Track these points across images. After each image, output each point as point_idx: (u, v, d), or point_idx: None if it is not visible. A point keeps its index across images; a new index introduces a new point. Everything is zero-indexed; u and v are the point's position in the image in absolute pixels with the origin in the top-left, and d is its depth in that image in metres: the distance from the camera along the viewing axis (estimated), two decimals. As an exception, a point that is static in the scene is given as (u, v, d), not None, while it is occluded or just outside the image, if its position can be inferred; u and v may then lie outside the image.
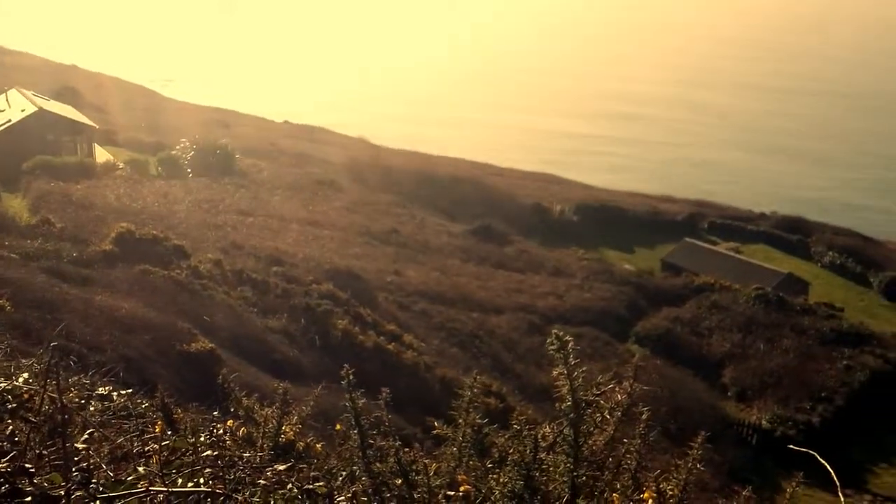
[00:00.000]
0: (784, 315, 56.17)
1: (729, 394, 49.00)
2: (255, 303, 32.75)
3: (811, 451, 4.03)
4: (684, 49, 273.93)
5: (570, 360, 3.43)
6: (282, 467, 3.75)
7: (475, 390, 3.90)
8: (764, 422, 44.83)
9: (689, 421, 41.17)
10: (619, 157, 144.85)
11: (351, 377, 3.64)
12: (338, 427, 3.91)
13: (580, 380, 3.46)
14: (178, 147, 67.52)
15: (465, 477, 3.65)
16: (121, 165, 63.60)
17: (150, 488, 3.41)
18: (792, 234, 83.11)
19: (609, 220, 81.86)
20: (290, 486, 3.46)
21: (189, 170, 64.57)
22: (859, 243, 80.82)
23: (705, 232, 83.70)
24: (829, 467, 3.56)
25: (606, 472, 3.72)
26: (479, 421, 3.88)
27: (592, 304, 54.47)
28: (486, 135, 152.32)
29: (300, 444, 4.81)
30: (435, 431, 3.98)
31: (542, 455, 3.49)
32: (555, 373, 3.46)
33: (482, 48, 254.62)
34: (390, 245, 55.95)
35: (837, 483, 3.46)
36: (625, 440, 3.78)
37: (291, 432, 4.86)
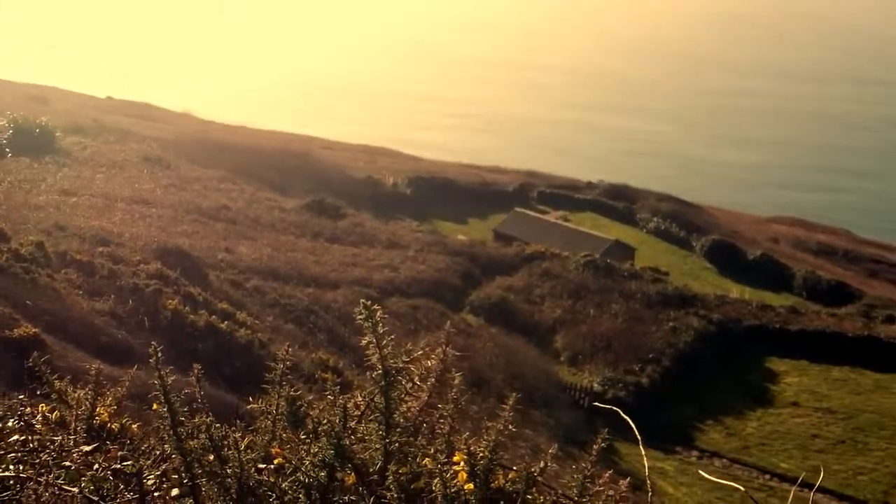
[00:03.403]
0: (612, 280, 57.80)
1: (562, 358, 50.23)
2: (80, 285, 31.77)
3: (615, 409, 4.17)
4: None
5: (379, 329, 3.46)
6: (87, 448, 3.68)
7: (287, 363, 3.89)
8: (595, 384, 46.13)
9: (525, 387, 42.06)
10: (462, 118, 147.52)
11: (159, 354, 3.59)
12: (154, 406, 3.84)
13: (389, 348, 3.50)
14: (-7, 126, 64.84)
15: (279, 450, 3.65)
16: (-67, 147, 60.78)
17: (-48, 477, 3.31)
18: (618, 201, 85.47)
19: (441, 191, 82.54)
20: (96, 466, 3.41)
21: (8, 150, 62.13)
22: (682, 209, 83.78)
23: (535, 201, 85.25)
24: (632, 424, 3.69)
25: (420, 438, 3.77)
26: (293, 393, 3.89)
27: (427, 275, 54.91)
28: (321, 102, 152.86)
29: (115, 426, 4.72)
30: (249, 406, 3.97)
31: (353, 424, 3.52)
32: (363, 342, 3.49)
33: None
34: (220, 221, 55.08)
35: (639, 439, 3.58)
36: (439, 405, 3.84)
37: (106, 414, 4.77)
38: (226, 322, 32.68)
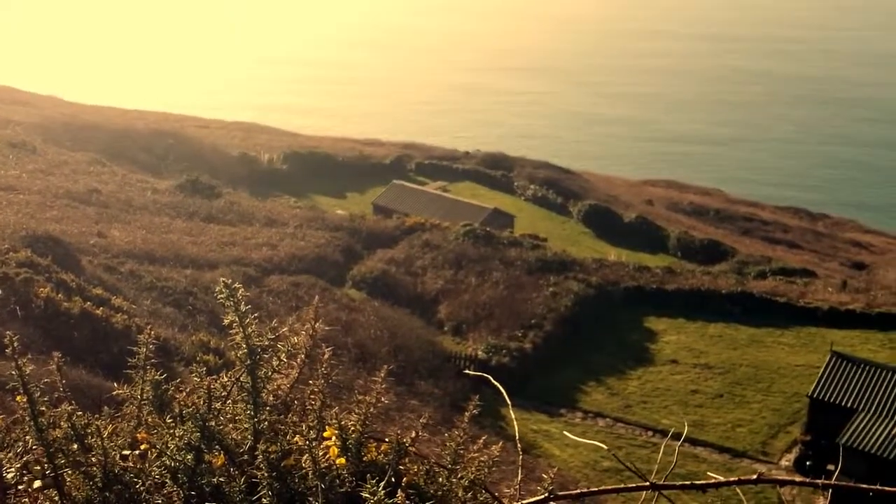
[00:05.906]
0: (492, 249, 58.24)
1: (445, 328, 50.49)
2: (-54, 277, 30.84)
3: (485, 375, 4.20)
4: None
5: (241, 307, 3.42)
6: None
7: (151, 346, 3.82)
8: (480, 352, 46.44)
9: (410, 358, 42.23)
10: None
11: (15, 343, 3.48)
12: (18, 398, 3.74)
13: (253, 326, 3.45)
14: None
15: (145, 435, 3.59)
16: None
17: None
18: (496, 170, 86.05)
19: (318, 166, 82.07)
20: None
21: None
22: (558, 175, 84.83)
23: (413, 173, 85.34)
24: (500, 388, 3.72)
25: (292, 415, 3.74)
26: (158, 377, 3.82)
27: (307, 251, 54.59)
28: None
29: (-22, 420, 4.58)
30: (115, 392, 3.88)
31: (219, 405, 3.47)
32: (226, 321, 3.44)
33: None
34: (91, 206, 53.84)
35: (509, 402, 3.61)
36: (310, 381, 3.81)
37: (-33, 408, 4.63)
38: (101, 308, 32.05)
